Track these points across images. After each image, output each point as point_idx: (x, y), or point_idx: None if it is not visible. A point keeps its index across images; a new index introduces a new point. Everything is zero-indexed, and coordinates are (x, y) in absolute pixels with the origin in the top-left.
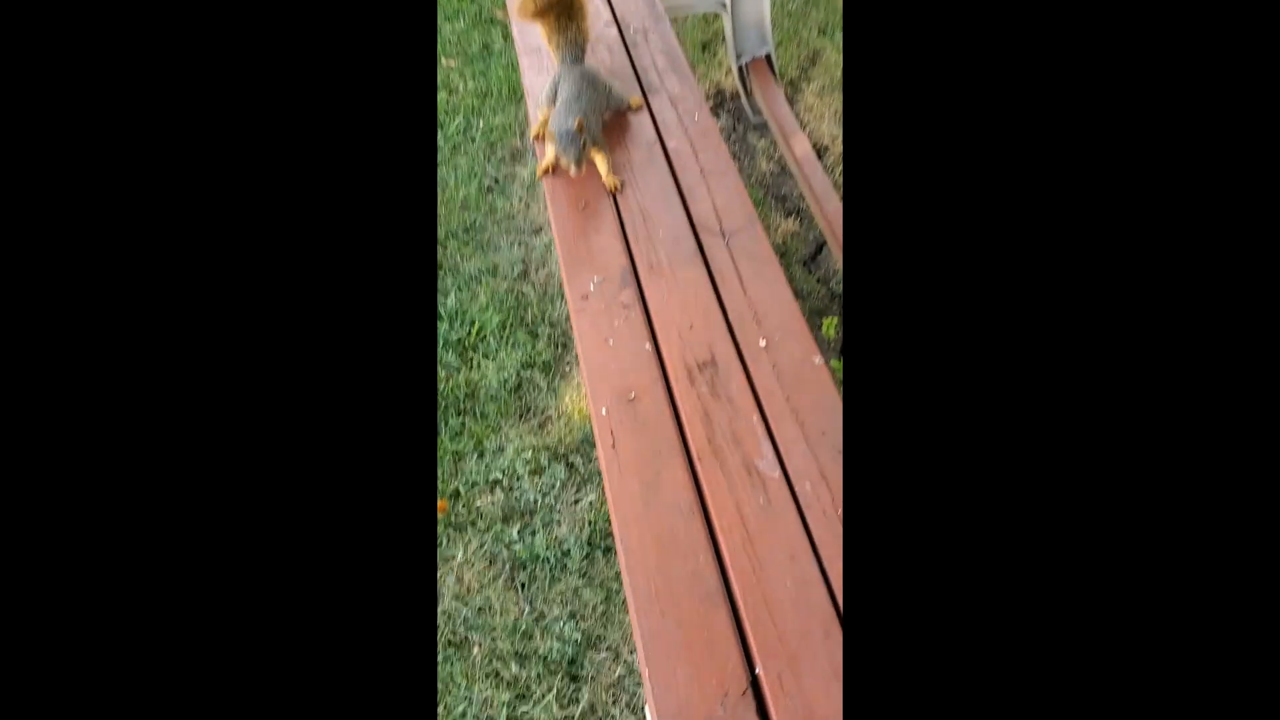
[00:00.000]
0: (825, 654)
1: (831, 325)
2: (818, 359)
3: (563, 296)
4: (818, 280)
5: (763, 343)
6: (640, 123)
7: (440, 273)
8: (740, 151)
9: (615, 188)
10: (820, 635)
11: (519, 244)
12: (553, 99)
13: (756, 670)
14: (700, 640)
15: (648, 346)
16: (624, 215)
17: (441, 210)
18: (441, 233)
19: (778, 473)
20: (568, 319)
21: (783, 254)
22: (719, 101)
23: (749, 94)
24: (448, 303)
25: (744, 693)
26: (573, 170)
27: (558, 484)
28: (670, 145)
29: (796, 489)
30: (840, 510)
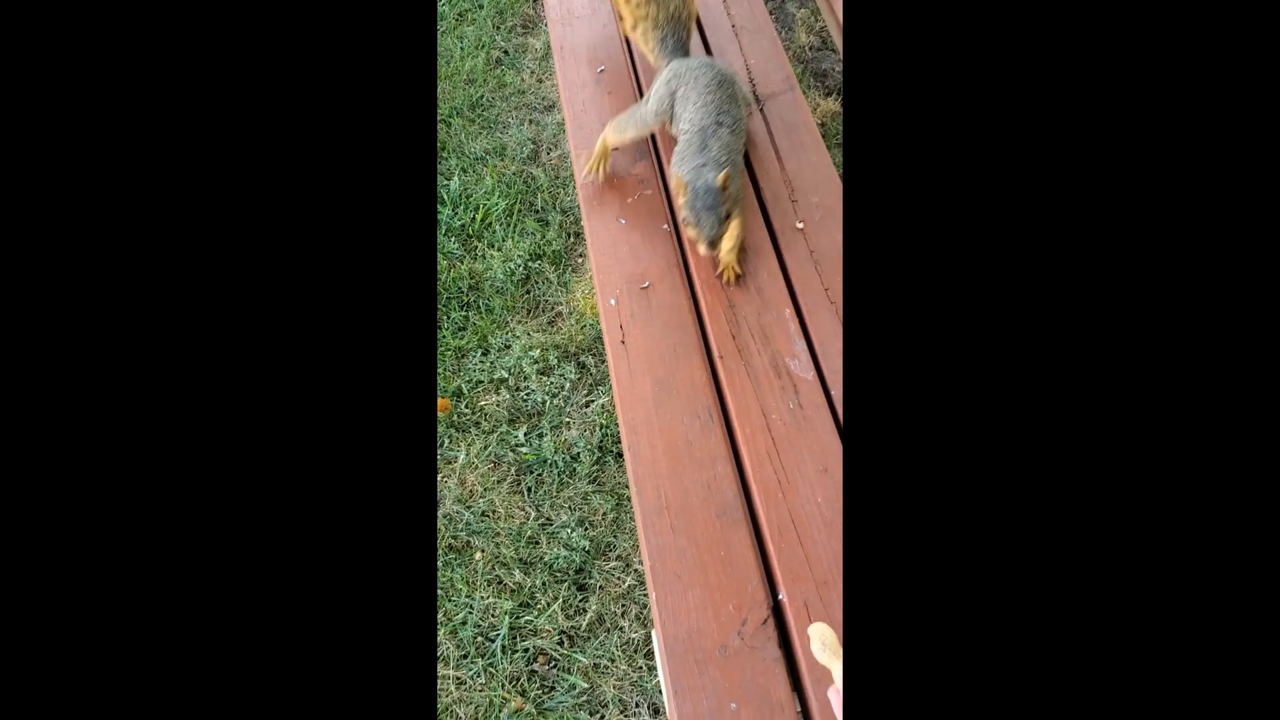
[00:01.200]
0: None
1: None
2: None
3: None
4: None
5: (800, 224)
6: None
7: (443, 153)
8: (777, 23)
9: (732, 275)
10: None
11: (529, 122)
12: (668, 113)
13: (779, 596)
14: (715, 560)
15: (665, 227)
16: (643, 78)
17: (446, 85)
18: (445, 109)
19: (812, 374)
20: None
21: (822, 137)
22: None
23: None
24: (451, 186)
25: (764, 621)
26: (703, 249)
27: (568, 385)
28: None
29: (833, 393)
30: None
